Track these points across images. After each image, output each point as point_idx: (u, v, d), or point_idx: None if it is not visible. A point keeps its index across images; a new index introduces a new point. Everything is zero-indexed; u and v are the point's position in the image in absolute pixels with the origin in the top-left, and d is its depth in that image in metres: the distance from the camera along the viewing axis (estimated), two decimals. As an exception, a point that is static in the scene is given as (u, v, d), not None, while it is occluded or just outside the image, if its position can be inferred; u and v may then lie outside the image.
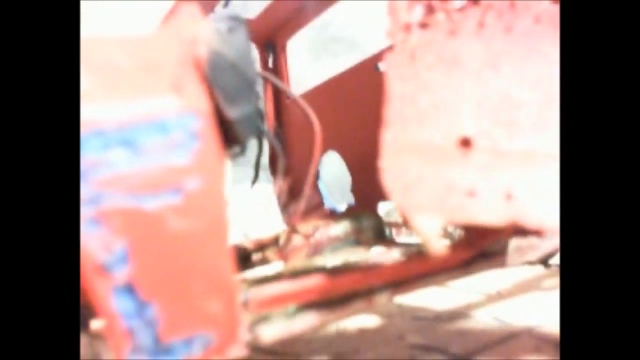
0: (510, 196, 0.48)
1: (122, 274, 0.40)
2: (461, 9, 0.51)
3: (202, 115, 0.45)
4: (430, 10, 0.51)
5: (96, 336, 0.51)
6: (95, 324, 0.49)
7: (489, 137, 0.50)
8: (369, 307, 0.54)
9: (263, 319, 0.52)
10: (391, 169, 0.48)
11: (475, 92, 0.50)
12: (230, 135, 0.51)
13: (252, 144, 0.55)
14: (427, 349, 0.64)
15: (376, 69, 0.80)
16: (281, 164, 0.55)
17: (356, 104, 0.78)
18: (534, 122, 0.50)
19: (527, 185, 0.48)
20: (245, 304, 0.49)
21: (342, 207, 0.94)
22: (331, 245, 0.70)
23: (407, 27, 0.50)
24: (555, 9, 0.52)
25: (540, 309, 0.75)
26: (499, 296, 0.84)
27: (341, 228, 0.74)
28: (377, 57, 0.83)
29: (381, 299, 0.54)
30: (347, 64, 0.92)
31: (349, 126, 0.81)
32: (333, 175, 0.73)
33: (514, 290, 0.86)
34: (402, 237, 0.85)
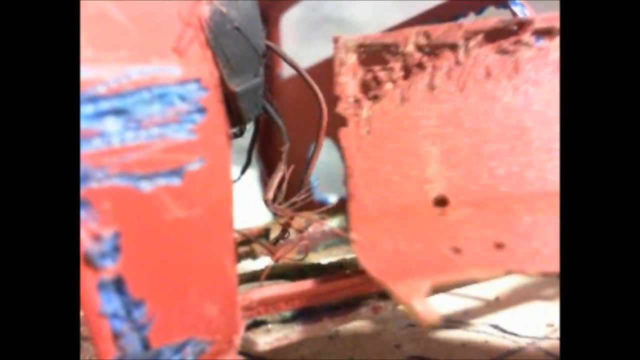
0: (501, 245, 0.45)
1: (111, 267, 0.35)
2: (407, 76, 0.51)
3: (208, 85, 0.40)
4: (377, 82, 0.51)
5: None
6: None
7: (465, 191, 0.49)
8: (373, 315, 0.50)
9: (257, 323, 0.47)
10: (362, 239, 0.46)
11: (439, 151, 0.49)
12: (231, 112, 0.46)
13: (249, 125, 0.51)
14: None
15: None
16: (285, 147, 0.51)
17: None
18: (509, 168, 0.49)
19: (516, 231, 0.46)
20: (240, 306, 0.44)
21: (332, 199, 0.90)
22: (325, 242, 0.66)
23: (358, 101, 0.51)
24: (505, 58, 0.51)
25: (542, 319, 0.73)
26: (498, 303, 0.82)
27: (336, 223, 0.70)
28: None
29: (387, 306, 0.50)
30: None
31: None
32: (324, 163, 0.69)
33: (513, 296, 0.84)
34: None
